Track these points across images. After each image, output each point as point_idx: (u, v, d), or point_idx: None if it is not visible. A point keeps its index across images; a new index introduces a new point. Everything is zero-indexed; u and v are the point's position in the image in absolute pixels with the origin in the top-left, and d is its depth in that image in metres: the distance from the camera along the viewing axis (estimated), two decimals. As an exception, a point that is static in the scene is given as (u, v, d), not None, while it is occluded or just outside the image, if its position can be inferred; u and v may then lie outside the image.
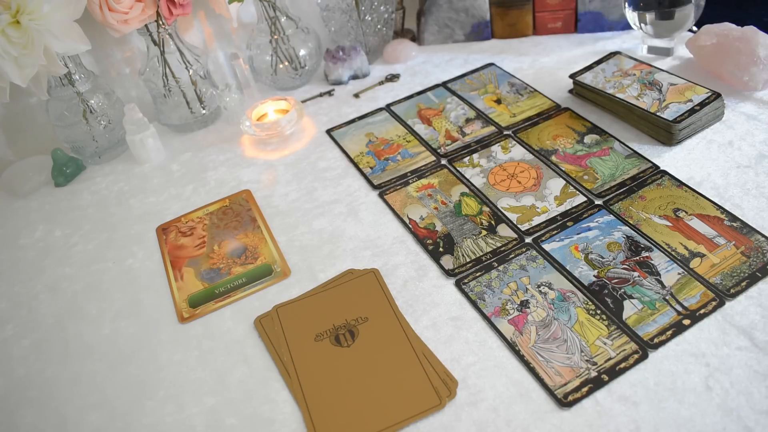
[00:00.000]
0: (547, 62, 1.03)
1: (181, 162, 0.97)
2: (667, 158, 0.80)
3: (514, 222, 0.76)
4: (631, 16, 0.96)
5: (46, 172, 0.98)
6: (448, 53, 1.11)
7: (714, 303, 0.62)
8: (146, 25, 0.92)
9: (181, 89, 0.99)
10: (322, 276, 0.74)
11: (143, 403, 0.64)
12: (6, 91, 0.81)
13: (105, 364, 0.69)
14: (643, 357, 0.59)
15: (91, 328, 0.73)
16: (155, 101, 1.01)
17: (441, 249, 0.74)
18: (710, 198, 0.73)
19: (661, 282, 0.65)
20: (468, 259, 0.72)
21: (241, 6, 1.09)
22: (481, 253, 0.73)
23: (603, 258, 0.69)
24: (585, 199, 0.77)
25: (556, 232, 0.73)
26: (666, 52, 0.98)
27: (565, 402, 0.56)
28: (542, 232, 0.74)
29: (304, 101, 1.06)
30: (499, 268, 0.70)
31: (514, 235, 0.74)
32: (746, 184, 0.74)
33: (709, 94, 0.82)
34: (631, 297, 0.64)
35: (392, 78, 1.08)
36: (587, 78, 0.91)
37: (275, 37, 1.04)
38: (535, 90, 0.97)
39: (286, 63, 1.06)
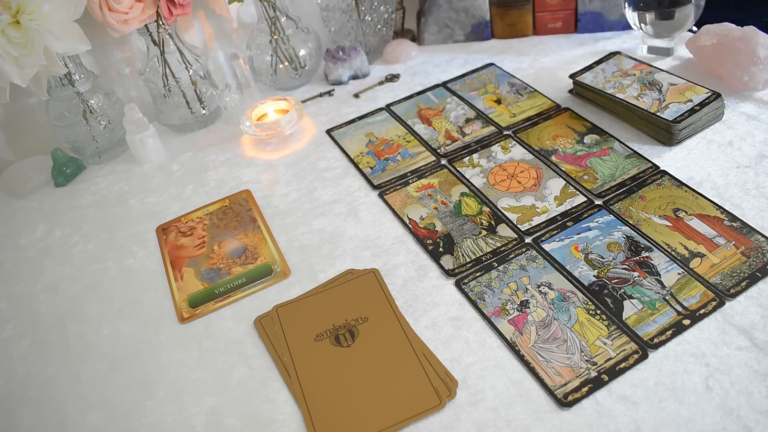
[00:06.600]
0: (547, 62, 1.03)
1: (181, 162, 0.97)
2: (667, 158, 0.80)
3: (514, 222, 0.76)
4: (631, 16, 0.96)
5: (46, 172, 0.98)
6: (448, 53, 1.11)
7: (714, 303, 0.62)
8: (146, 25, 0.92)
9: (181, 89, 0.99)
10: (322, 276, 0.74)
11: (143, 403, 0.64)
12: (6, 91, 0.81)
13: (105, 364, 0.69)
14: (643, 357, 0.59)
15: (91, 328, 0.73)
16: (155, 101, 1.01)
17: (441, 249, 0.74)
18: (710, 198, 0.73)
19: (661, 282, 0.65)
20: (468, 259, 0.72)
21: (241, 6, 1.09)
22: (481, 253, 0.73)
23: (603, 258, 0.69)
24: (585, 199, 0.77)
25: (556, 232, 0.73)
26: (666, 52, 0.98)
27: (565, 402, 0.56)
28: (542, 232, 0.74)
29: (304, 101, 1.06)
30: (499, 268, 0.70)
31: (514, 235, 0.74)
32: (746, 184, 0.74)
33: (709, 94, 0.82)
34: (631, 297, 0.64)
35: (392, 78, 1.08)
36: (587, 78, 0.91)
37: (275, 37, 1.04)
38: (535, 90, 0.97)
39: (286, 63, 1.06)
